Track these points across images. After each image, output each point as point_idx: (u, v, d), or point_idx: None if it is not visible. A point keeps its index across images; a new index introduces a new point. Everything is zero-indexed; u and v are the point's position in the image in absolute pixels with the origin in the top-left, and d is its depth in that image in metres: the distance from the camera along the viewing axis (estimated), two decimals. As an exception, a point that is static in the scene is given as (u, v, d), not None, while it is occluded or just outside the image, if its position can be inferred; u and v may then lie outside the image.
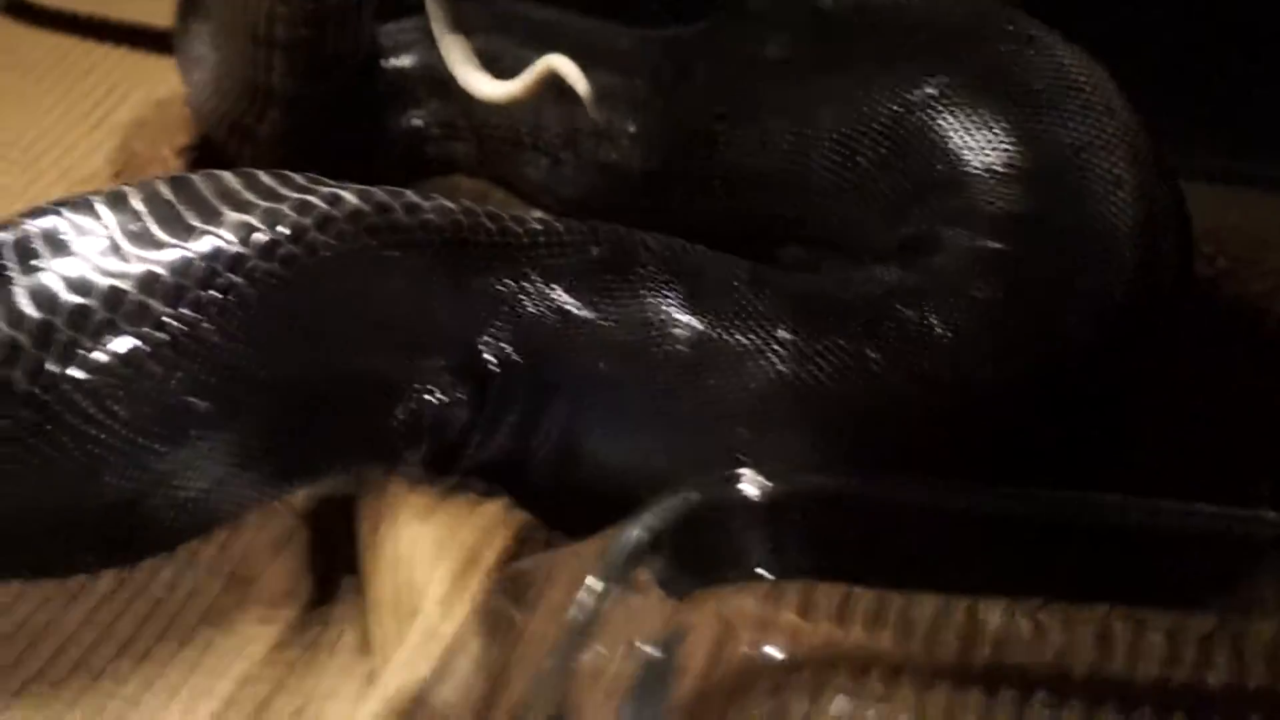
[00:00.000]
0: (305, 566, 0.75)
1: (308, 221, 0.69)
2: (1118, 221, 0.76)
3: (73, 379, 0.65)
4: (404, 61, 1.02)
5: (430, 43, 0.93)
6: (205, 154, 1.00)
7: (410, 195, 0.73)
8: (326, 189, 0.71)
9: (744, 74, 0.92)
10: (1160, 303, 0.78)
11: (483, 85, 0.78)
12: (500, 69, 0.87)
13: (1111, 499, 0.66)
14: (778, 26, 0.92)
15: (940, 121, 0.81)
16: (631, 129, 0.96)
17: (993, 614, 0.66)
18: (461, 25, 0.79)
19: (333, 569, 0.75)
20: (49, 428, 0.66)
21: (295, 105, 0.91)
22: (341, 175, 0.74)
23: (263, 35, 0.88)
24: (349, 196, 0.71)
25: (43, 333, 0.65)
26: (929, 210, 0.79)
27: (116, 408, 0.66)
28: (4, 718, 0.67)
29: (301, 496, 0.76)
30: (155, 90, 1.09)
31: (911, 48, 0.85)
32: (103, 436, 0.66)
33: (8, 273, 0.67)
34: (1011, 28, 0.85)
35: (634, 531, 0.64)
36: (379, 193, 0.72)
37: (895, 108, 0.83)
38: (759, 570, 0.66)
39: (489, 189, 0.98)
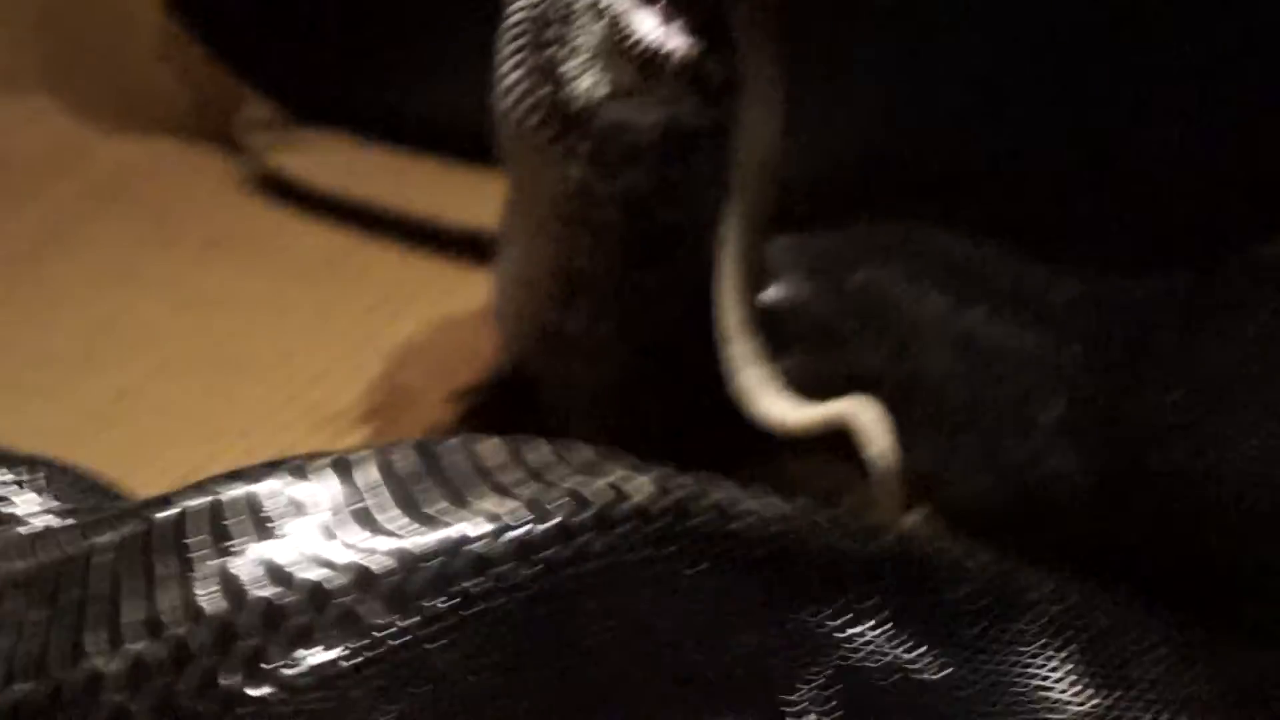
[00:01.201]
0: None
1: (582, 518, 0.72)
2: None
3: (251, 699, 0.68)
4: (769, 292, 1.03)
5: (810, 277, 0.99)
6: (490, 401, 1.05)
7: (729, 489, 0.75)
8: (614, 473, 0.75)
9: (1220, 354, 0.94)
10: None
11: (770, 406, 0.82)
12: (897, 310, 0.94)
13: None
14: (1272, 290, 0.94)
15: None
16: (1057, 412, 0.98)
17: None
18: (762, 344, 0.85)
19: None
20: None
21: (614, 294, 0.96)
22: (684, 423, 0.83)
23: (572, 216, 0.94)
24: (640, 488, 0.73)
25: (221, 636, 0.69)
26: None
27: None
28: None
29: None
30: (440, 306, 1.16)
31: None
32: None
33: (191, 554, 0.71)
34: None
35: None
36: (685, 482, 0.74)
37: None
38: None
39: (858, 478, 1.00)
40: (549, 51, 0.91)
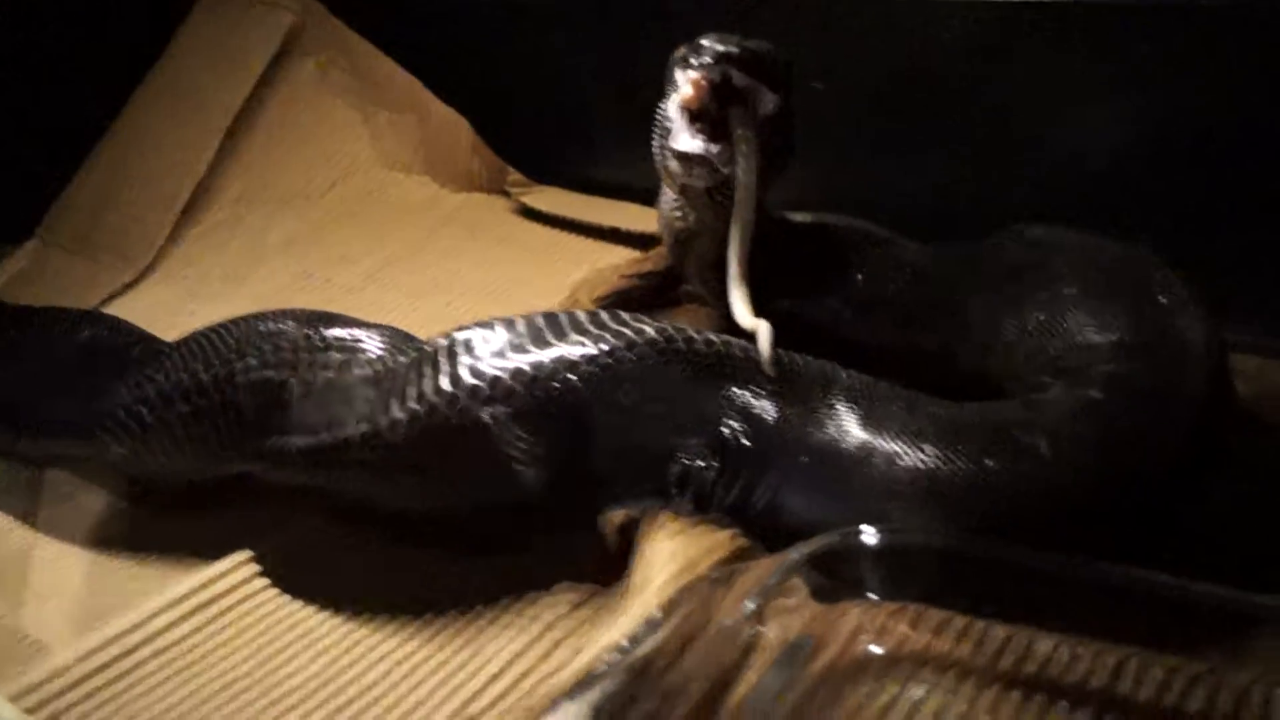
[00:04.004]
0: (609, 558, 0.76)
1: (620, 344, 0.73)
2: (1187, 389, 0.73)
3: (482, 419, 0.71)
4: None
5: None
6: (615, 301, 1.03)
7: (690, 331, 0.75)
8: (637, 325, 0.74)
9: (974, 270, 0.91)
10: (1207, 447, 0.73)
11: (738, 310, 0.77)
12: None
13: (1140, 573, 0.63)
14: (1002, 245, 0.91)
15: (1078, 308, 0.80)
16: (901, 295, 0.94)
17: (1045, 643, 0.64)
18: (746, 272, 0.79)
19: (626, 562, 0.75)
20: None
21: (701, 225, 0.93)
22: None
23: (679, 202, 0.93)
24: (649, 330, 0.74)
25: (451, 399, 0.71)
26: (1064, 363, 0.78)
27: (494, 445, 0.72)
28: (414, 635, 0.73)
29: (621, 515, 0.77)
30: (598, 263, 1.14)
31: (1071, 264, 0.84)
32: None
33: (443, 362, 0.73)
34: (1142, 255, 0.83)
35: (791, 556, 0.65)
36: (670, 329, 0.75)
37: (1054, 295, 0.82)
38: (870, 593, 0.66)
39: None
40: (661, 141, 0.87)
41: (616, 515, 0.77)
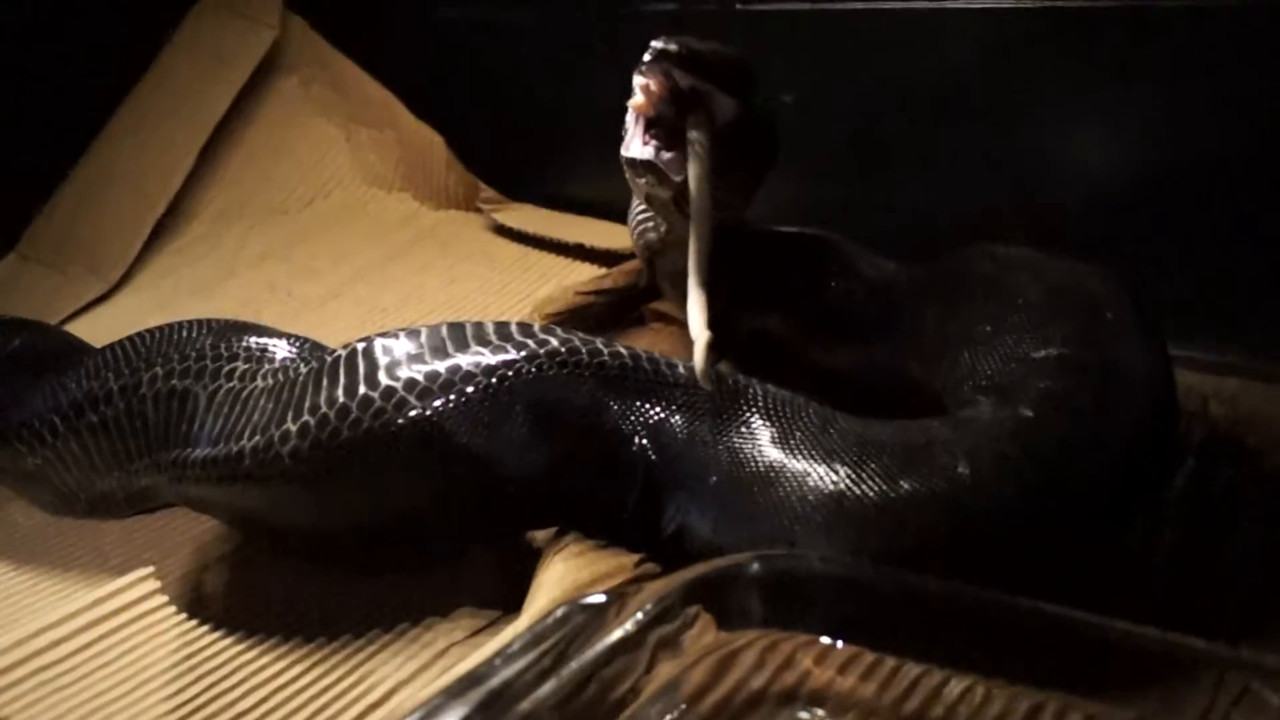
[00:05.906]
0: (514, 582, 0.70)
1: (519, 356, 0.67)
2: (1125, 410, 0.66)
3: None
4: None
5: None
6: (564, 319, 0.98)
7: (597, 343, 0.69)
8: (542, 336, 0.68)
9: (931, 285, 0.85)
10: (1146, 471, 0.66)
11: (692, 319, 0.70)
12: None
13: (1063, 610, 0.55)
14: (962, 261, 0.84)
15: (1022, 322, 0.73)
16: (866, 310, 0.89)
17: (958, 685, 0.56)
18: (707, 283, 0.73)
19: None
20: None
21: (667, 236, 0.89)
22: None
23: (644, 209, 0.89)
24: (553, 342, 0.68)
25: (343, 411, 0.66)
26: (1000, 379, 0.70)
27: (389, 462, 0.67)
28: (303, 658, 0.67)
29: (543, 535, 0.72)
30: (563, 279, 1.10)
31: (1023, 279, 0.77)
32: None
33: (341, 373, 0.68)
34: (1097, 271, 0.75)
35: (676, 581, 0.57)
36: (576, 339, 0.69)
37: (1001, 310, 0.75)
38: (760, 624, 0.59)
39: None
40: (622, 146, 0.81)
41: (523, 536, 0.72)
